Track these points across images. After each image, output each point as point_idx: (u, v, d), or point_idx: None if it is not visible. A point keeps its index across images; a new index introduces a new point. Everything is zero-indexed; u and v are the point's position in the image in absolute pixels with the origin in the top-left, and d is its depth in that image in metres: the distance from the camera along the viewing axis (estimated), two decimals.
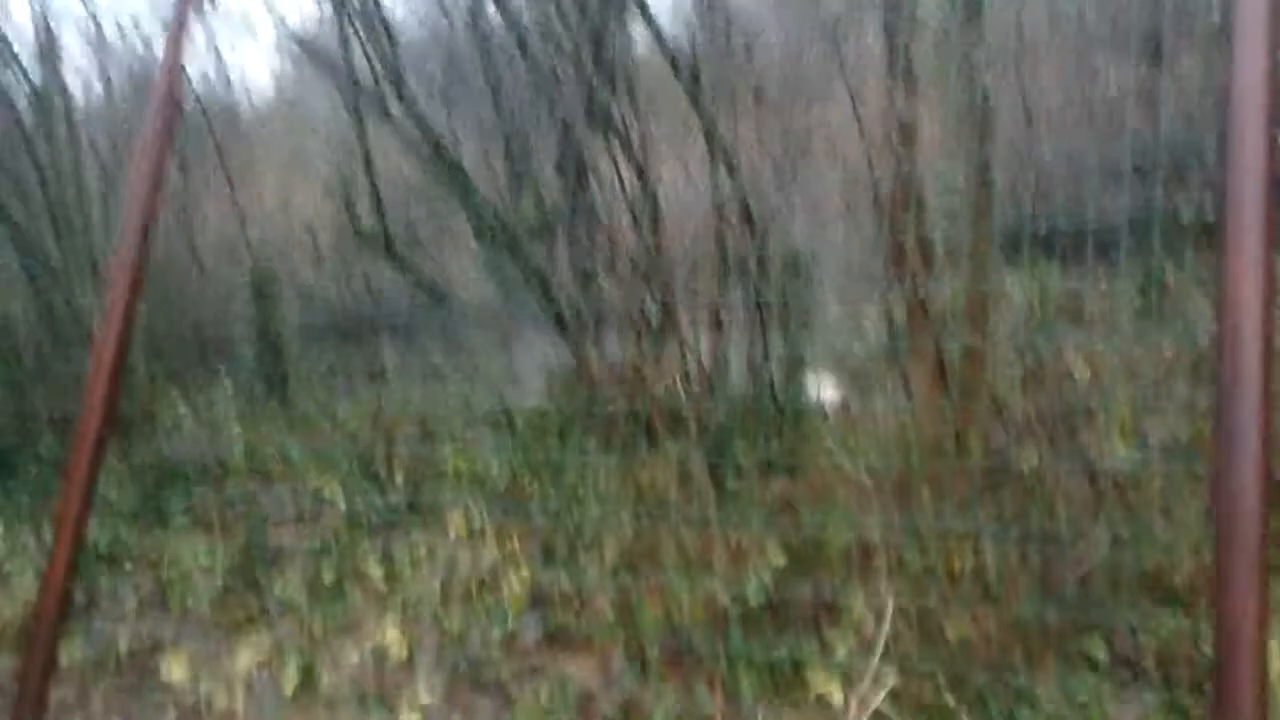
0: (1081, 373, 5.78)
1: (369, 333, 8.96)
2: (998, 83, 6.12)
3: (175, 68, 2.40)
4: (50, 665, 2.12)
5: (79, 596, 5.50)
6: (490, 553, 4.79)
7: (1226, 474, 1.58)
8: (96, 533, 6.03)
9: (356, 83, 8.57)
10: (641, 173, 6.07)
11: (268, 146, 12.67)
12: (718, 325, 5.79)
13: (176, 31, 2.40)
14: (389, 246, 8.99)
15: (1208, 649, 3.41)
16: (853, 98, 5.30)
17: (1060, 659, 3.40)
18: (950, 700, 3.25)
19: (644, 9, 5.84)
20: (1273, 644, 2.89)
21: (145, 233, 2.35)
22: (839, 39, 5.39)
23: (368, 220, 8.97)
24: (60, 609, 2.12)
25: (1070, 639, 3.49)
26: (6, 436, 8.22)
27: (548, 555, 4.76)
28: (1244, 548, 1.54)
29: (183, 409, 7.70)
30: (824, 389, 5.79)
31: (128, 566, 5.83)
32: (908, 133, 5.36)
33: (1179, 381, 5.48)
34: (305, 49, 9.81)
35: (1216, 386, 1.64)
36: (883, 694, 3.22)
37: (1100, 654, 3.41)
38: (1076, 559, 3.66)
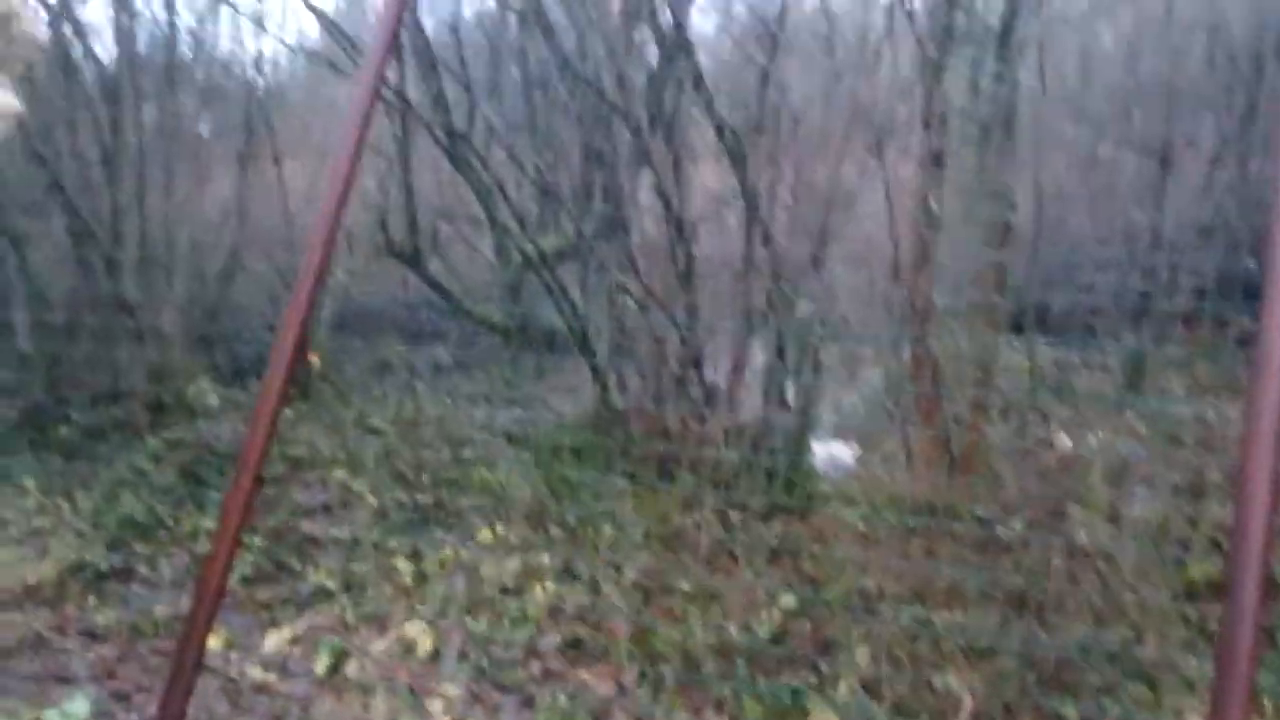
0: (1064, 446, 6.12)
1: (395, 338, 9.23)
2: (1017, 171, 6.50)
3: (383, 58, 2.69)
4: (203, 647, 2.36)
5: (117, 561, 5.76)
6: (513, 563, 5.08)
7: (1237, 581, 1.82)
8: (132, 505, 6.26)
9: (403, 97, 8.86)
10: (678, 219, 6.38)
11: (299, 138, 12.84)
12: (737, 370, 6.11)
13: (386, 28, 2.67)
14: (418, 263, 9.26)
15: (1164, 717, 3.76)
16: (885, 182, 5.66)
17: (1034, 716, 3.72)
18: None
19: (698, 79, 6.17)
20: None
21: (342, 204, 2.62)
22: (877, 126, 5.75)
23: (399, 232, 9.22)
24: (218, 591, 2.37)
25: (1044, 697, 3.81)
26: (39, 401, 8.44)
27: (567, 571, 5.06)
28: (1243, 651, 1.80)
29: (212, 395, 7.93)
30: (834, 450, 6.11)
31: (162, 536, 6.07)
32: (930, 212, 5.71)
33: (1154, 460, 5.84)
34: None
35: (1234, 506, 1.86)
36: None
37: (1070, 713, 3.73)
38: (1058, 628, 3.99)
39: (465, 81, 8.62)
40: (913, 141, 5.71)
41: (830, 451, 6.14)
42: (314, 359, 8.16)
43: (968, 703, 3.57)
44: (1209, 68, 10.18)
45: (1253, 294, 2.02)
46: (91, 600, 5.36)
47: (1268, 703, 3.67)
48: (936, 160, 5.62)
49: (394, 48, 2.71)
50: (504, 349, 9.45)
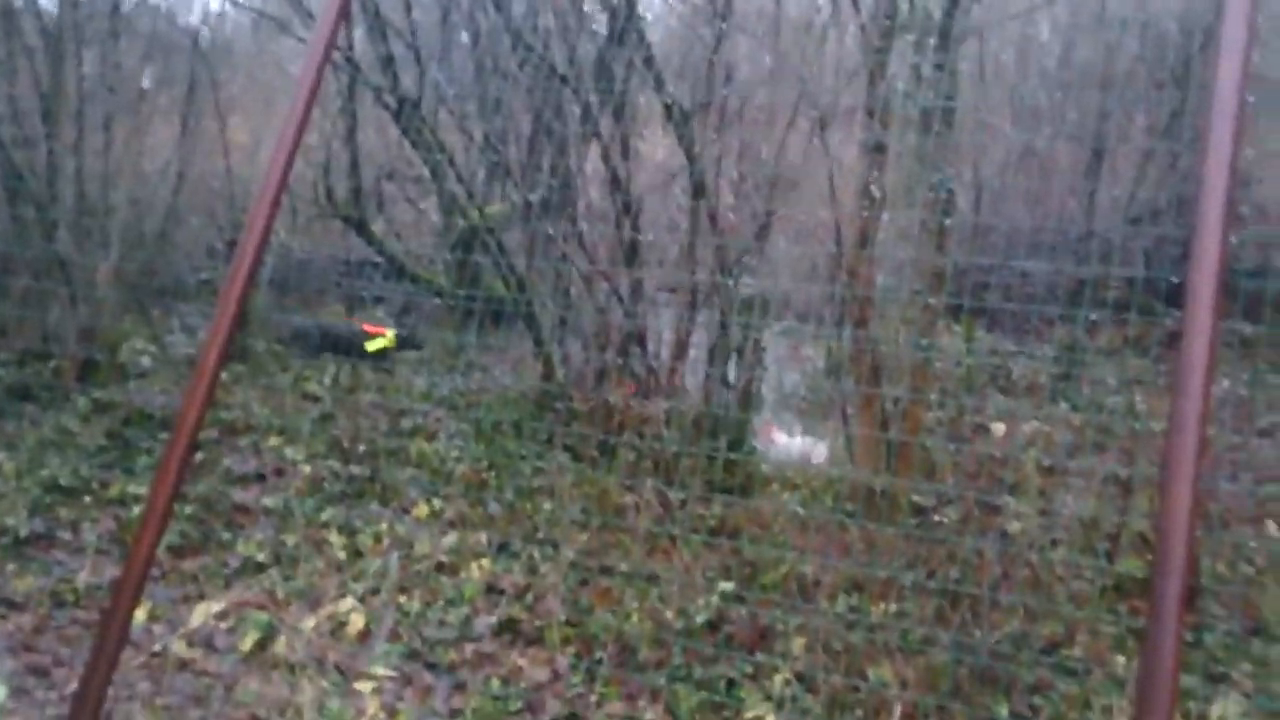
0: (1000, 434, 6.03)
1: (335, 301, 8.90)
2: (957, 160, 6.37)
3: (334, 26, 2.51)
4: (128, 621, 2.14)
5: (39, 525, 5.43)
6: (449, 540, 4.86)
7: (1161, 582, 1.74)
8: (57, 468, 5.91)
9: (352, 61, 8.47)
10: (624, 196, 6.16)
11: (244, 92, 12.28)
12: (680, 348, 5.92)
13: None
14: (361, 224, 8.91)
15: (1093, 717, 3.67)
16: (831, 165, 5.50)
17: (967, 713, 3.61)
18: None
19: (648, 58, 5.93)
20: None
21: (287, 169, 2.46)
22: (824, 114, 5.57)
23: (343, 193, 8.85)
24: (147, 563, 2.14)
25: (977, 693, 3.71)
26: None
27: (504, 549, 4.85)
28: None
29: (145, 355, 7.54)
30: (776, 435, 5.97)
31: (87, 501, 5.73)
32: (873, 198, 5.56)
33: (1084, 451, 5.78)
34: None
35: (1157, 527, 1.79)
36: None
37: (1003, 711, 3.63)
38: (991, 623, 3.88)
39: (415, 47, 8.26)
40: (856, 127, 5.55)
41: (798, 446, 5.98)
42: (388, 335, 7.88)
43: (899, 700, 3.44)
44: (1141, 64, 10.17)
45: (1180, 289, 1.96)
46: (11, 567, 5.04)
47: (1192, 704, 3.60)
48: (879, 147, 5.46)
49: (345, 12, 2.49)
50: (448, 315, 9.15)
